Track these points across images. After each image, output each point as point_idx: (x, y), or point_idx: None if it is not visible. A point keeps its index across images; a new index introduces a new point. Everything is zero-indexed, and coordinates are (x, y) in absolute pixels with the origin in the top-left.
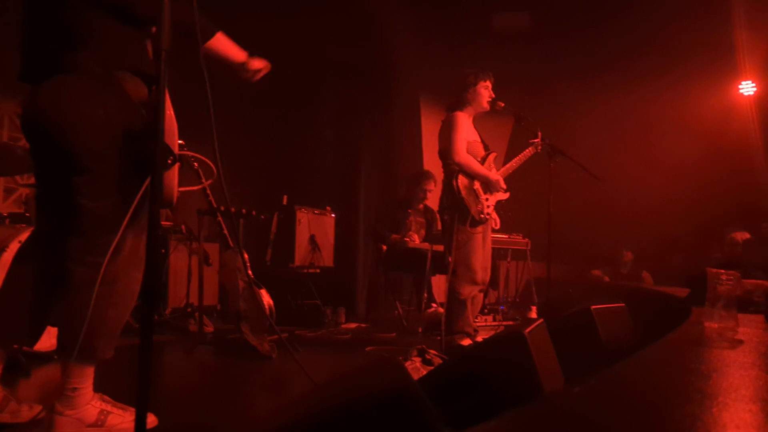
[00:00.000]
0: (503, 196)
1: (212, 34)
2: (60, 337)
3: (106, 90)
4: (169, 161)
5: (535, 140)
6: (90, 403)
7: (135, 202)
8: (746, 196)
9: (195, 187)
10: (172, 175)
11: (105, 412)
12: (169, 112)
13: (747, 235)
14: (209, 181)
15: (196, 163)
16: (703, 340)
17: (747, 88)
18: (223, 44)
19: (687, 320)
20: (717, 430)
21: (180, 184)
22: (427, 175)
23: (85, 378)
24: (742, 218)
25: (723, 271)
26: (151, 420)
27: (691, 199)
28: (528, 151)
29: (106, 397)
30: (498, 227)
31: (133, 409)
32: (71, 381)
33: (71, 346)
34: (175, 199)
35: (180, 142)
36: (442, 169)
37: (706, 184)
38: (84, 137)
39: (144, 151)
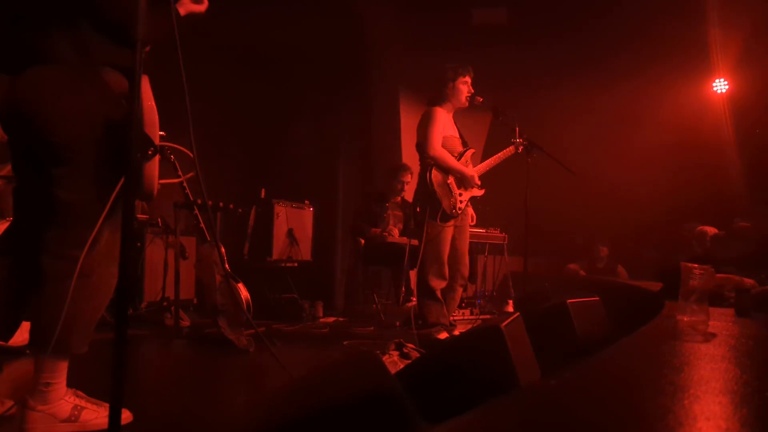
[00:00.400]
0: (478, 192)
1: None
2: (33, 332)
3: (86, 81)
4: (150, 152)
5: (517, 140)
6: (63, 399)
7: (113, 195)
8: (718, 192)
9: (174, 180)
10: (153, 166)
11: (79, 407)
12: (150, 103)
13: (715, 230)
14: (189, 174)
15: (173, 156)
16: (675, 333)
17: (720, 85)
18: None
19: (660, 314)
20: (688, 421)
21: (160, 177)
22: (403, 168)
23: (59, 373)
24: (714, 214)
25: (696, 265)
26: (126, 416)
27: (665, 195)
28: (508, 151)
29: (80, 393)
30: (474, 222)
31: (107, 405)
32: (44, 376)
33: (45, 340)
34: (155, 192)
35: (161, 133)
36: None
37: (680, 180)
38: (64, 128)
39: (124, 142)
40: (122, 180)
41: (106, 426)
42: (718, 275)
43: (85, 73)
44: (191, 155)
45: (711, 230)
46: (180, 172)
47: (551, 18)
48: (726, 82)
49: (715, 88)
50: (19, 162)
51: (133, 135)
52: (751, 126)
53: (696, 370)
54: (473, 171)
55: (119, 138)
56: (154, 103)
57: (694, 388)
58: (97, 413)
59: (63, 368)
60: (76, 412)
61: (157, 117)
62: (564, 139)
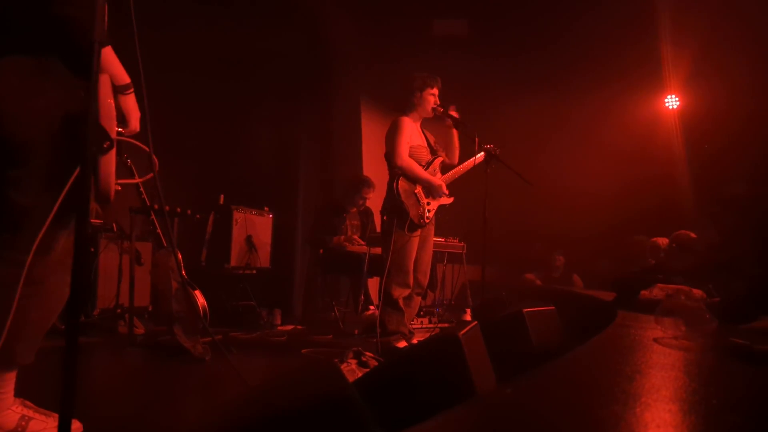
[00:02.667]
0: (447, 200)
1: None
2: None
3: (45, 73)
4: (105, 145)
5: (487, 146)
6: (10, 408)
7: (61, 196)
8: (668, 204)
9: (132, 180)
10: (109, 163)
11: (26, 417)
12: (110, 100)
13: (667, 242)
14: (148, 176)
15: (129, 160)
16: (634, 343)
17: (671, 101)
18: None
19: (613, 323)
20: (639, 429)
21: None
22: (367, 183)
23: (6, 382)
24: (663, 225)
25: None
26: (76, 427)
27: (618, 205)
28: (476, 159)
29: (28, 402)
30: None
31: (56, 415)
32: None
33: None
34: (112, 193)
35: (119, 129)
36: (383, 172)
37: (633, 191)
38: (22, 128)
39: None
40: (73, 177)
41: None
42: (669, 286)
43: (42, 64)
44: (147, 149)
45: (663, 241)
46: (136, 174)
47: (510, 33)
48: (677, 99)
49: (666, 104)
50: None
51: (90, 135)
52: (700, 140)
53: (647, 379)
54: (441, 180)
55: (77, 135)
56: (113, 100)
57: (645, 396)
58: (46, 423)
59: (10, 378)
60: (23, 423)
61: (114, 113)
62: (521, 151)
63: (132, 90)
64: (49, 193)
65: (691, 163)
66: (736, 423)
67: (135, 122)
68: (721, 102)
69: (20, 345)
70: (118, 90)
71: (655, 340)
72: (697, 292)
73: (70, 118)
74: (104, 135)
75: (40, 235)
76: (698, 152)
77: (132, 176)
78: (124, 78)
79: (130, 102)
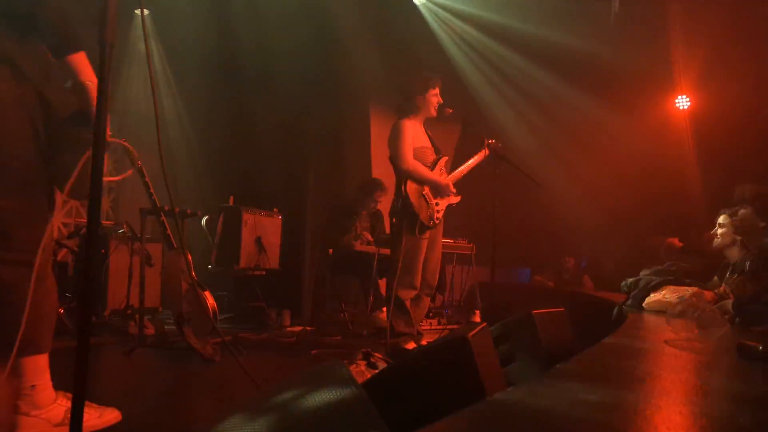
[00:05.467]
0: (454, 199)
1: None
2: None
3: (19, 75)
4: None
5: (490, 141)
6: (56, 402)
7: (66, 190)
8: (679, 206)
9: (116, 178)
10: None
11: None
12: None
13: (679, 243)
14: (127, 173)
15: (140, 161)
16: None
17: (682, 102)
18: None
19: (623, 324)
20: (650, 431)
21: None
22: (379, 186)
23: (40, 374)
24: (675, 226)
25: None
26: (115, 415)
27: (629, 207)
28: (479, 155)
29: (70, 395)
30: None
31: (96, 406)
32: (26, 379)
33: (11, 343)
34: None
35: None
36: (392, 174)
37: (644, 193)
38: (3, 137)
39: (53, 138)
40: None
41: (99, 427)
42: (680, 288)
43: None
44: (134, 152)
45: (674, 243)
46: (147, 178)
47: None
48: (688, 99)
49: (677, 105)
50: None
51: (99, 139)
52: (711, 141)
53: (658, 381)
54: (447, 179)
55: (48, 134)
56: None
57: (656, 398)
58: (89, 415)
59: (43, 370)
60: (69, 415)
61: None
62: (531, 152)
63: None
64: (29, 193)
65: (702, 164)
66: (747, 426)
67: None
68: (732, 103)
69: (43, 336)
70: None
71: (666, 342)
72: (709, 294)
73: (40, 118)
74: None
75: (47, 234)
76: (709, 153)
77: (143, 178)
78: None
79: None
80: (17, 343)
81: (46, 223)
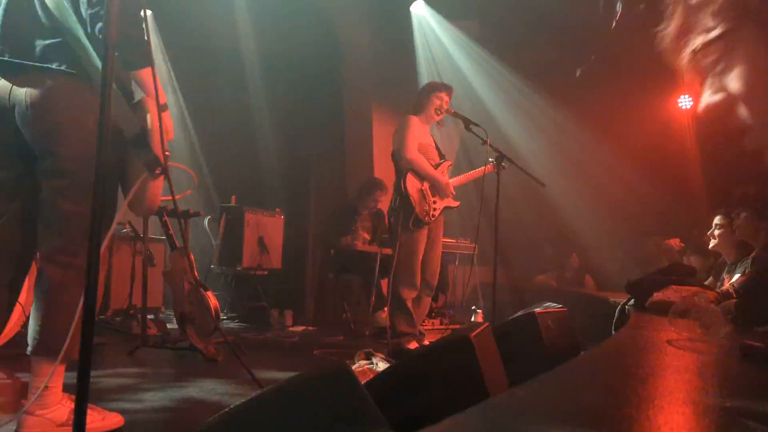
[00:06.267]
0: (453, 203)
1: (147, 64)
2: (40, 338)
3: (93, 91)
4: (157, 171)
5: (493, 161)
6: (60, 403)
7: (124, 207)
8: (682, 206)
9: (173, 197)
10: (157, 185)
11: None
12: (156, 123)
13: (680, 243)
14: (187, 192)
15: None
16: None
17: (685, 101)
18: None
19: (626, 324)
20: (652, 431)
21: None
22: (380, 186)
23: (57, 377)
24: (677, 226)
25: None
26: (118, 420)
27: (631, 207)
28: (485, 169)
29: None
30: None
31: (99, 409)
32: (41, 380)
33: (57, 347)
34: (155, 209)
35: (167, 153)
36: (394, 175)
37: (646, 193)
38: (74, 141)
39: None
40: (131, 194)
41: (102, 429)
42: (683, 287)
43: (87, 84)
44: (195, 177)
45: (677, 243)
46: (172, 189)
47: (520, 33)
48: (690, 99)
49: (680, 104)
50: (18, 168)
51: (101, 139)
52: (714, 140)
53: (660, 381)
54: (448, 180)
55: (116, 151)
56: (163, 124)
57: (658, 398)
58: (92, 417)
59: (60, 372)
60: (73, 416)
61: (168, 138)
62: (534, 152)
63: (167, 108)
64: (89, 200)
65: (705, 164)
66: (750, 427)
67: (171, 136)
68: (734, 102)
69: (75, 342)
70: (160, 109)
71: (669, 342)
72: (712, 294)
73: (113, 135)
74: (157, 162)
75: (106, 241)
76: (712, 153)
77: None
78: (164, 97)
79: (167, 119)
80: (65, 344)
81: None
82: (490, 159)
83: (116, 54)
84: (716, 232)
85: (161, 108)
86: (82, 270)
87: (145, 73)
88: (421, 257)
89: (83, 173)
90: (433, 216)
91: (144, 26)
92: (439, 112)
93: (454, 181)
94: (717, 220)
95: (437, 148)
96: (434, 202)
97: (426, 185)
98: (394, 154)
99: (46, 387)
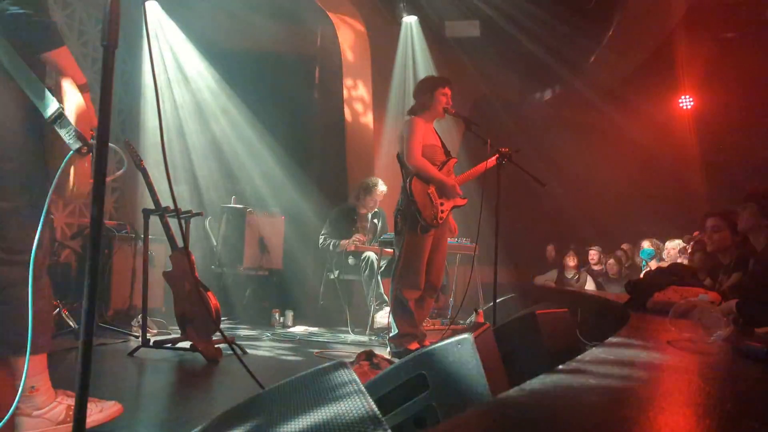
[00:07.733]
0: (461, 201)
1: (56, 45)
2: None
3: (8, 77)
4: (83, 150)
5: (502, 149)
6: (55, 401)
7: (51, 191)
8: (683, 205)
9: (110, 177)
10: (85, 167)
11: (73, 407)
12: (80, 101)
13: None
14: (120, 172)
15: (143, 161)
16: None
17: (686, 102)
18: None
19: (626, 325)
20: None
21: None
22: (380, 185)
23: (40, 375)
24: (678, 226)
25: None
26: (117, 408)
27: (632, 207)
28: (488, 163)
29: (70, 393)
30: (456, 234)
31: (96, 400)
32: (26, 380)
33: (19, 343)
34: (86, 192)
35: (91, 132)
36: (395, 174)
37: (647, 193)
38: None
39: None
40: (54, 181)
41: (102, 421)
42: (684, 288)
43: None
44: (126, 159)
45: (677, 244)
46: (150, 179)
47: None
48: (691, 99)
49: (681, 105)
50: None
51: (100, 141)
52: (714, 140)
53: (661, 383)
54: (454, 180)
55: (42, 140)
56: (87, 102)
57: (659, 399)
58: (90, 410)
59: (42, 370)
60: (71, 413)
61: (91, 115)
62: (535, 152)
63: (88, 89)
64: (26, 196)
65: (705, 164)
66: (751, 428)
67: (95, 120)
68: (735, 102)
69: (42, 334)
70: (80, 90)
71: (669, 342)
72: (713, 295)
73: (34, 124)
74: (82, 139)
75: (45, 235)
76: (712, 152)
77: (146, 177)
78: (82, 78)
79: (88, 101)
80: (29, 342)
81: (41, 223)
82: (499, 150)
83: (19, 38)
84: (714, 236)
85: (82, 88)
86: (27, 265)
87: (57, 54)
88: (426, 258)
89: (11, 167)
90: (441, 219)
91: (46, 7)
92: (447, 111)
93: (460, 179)
94: (710, 222)
95: (443, 145)
96: (441, 204)
97: (432, 188)
98: (399, 156)
99: (33, 387)
